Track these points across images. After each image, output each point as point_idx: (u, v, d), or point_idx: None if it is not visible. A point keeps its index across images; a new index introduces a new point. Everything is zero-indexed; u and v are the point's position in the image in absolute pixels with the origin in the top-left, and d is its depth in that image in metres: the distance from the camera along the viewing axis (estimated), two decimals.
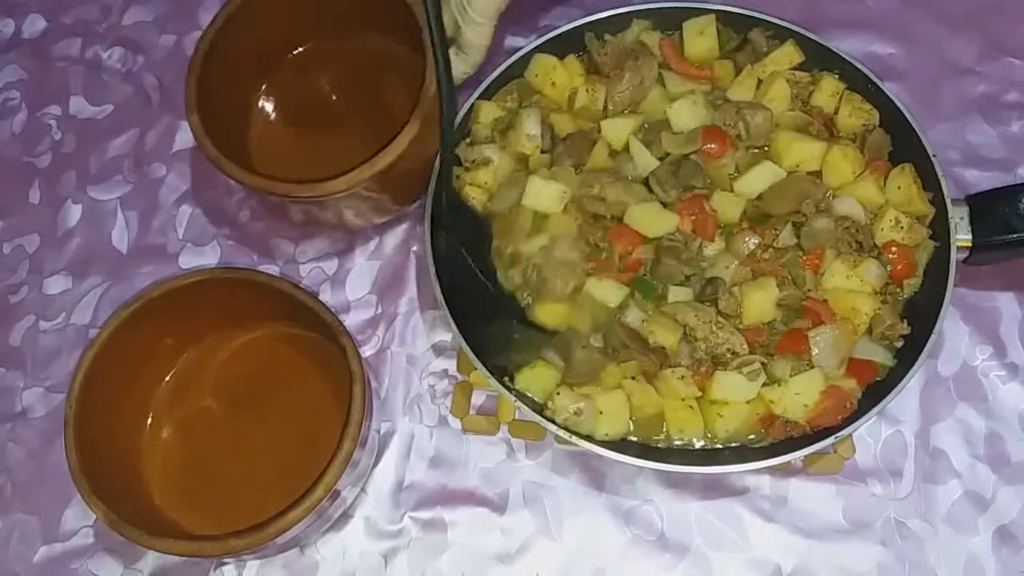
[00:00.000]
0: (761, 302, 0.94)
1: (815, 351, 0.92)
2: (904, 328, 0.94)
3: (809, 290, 0.95)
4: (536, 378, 0.95)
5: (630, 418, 0.94)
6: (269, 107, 1.13)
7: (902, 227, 0.97)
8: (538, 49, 1.07)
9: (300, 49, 1.14)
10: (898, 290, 0.97)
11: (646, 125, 1.03)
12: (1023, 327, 1.06)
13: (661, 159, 1.01)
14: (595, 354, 0.94)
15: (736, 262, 0.96)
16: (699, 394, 0.93)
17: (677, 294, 0.96)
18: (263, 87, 1.13)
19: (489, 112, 1.06)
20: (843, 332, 0.93)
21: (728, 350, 0.92)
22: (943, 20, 1.22)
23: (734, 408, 0.92)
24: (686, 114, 1.02)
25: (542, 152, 1.02)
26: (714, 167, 1.00)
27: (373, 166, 0.94)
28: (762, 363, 0.92)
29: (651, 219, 0.97)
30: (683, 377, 0.92)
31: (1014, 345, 1.05)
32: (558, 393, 0.93)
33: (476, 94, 1.06)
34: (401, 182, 1.01)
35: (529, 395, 0.95)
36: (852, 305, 0.94)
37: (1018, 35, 1.20)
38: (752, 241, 0.97)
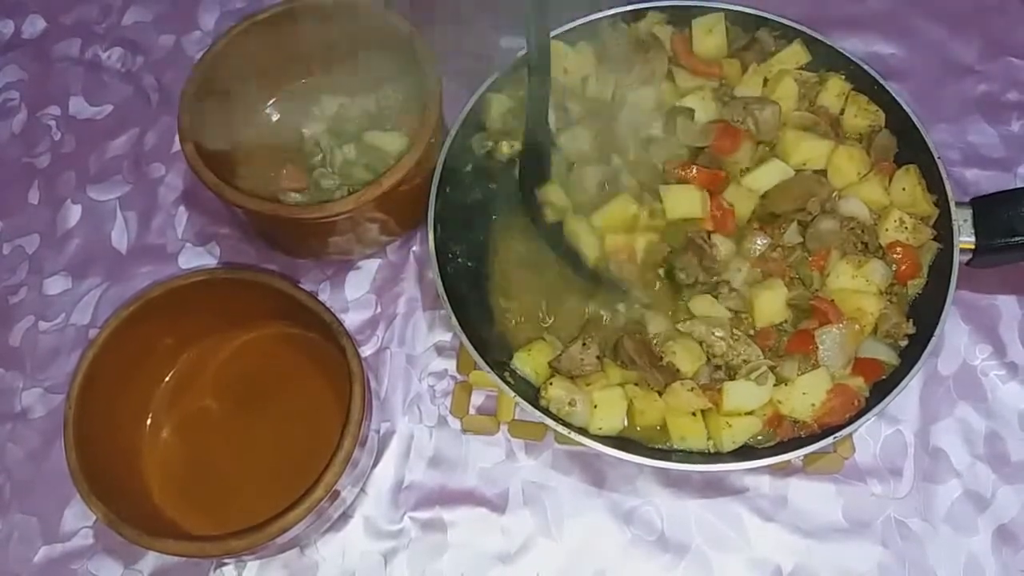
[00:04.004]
0: (771, 302, 0.94)
1: (822, 351, 0.92)
2: (909, 327, 0.94)
3: (817, 290, 0.96)
4: (531, 360, 0.96)
5: (635, 426, 0.94)
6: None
7: (907, 228, 0.97)
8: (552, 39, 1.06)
9: (303, 81, 1.14)
10: (903, 290, 0.97)
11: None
12: (1023, 327, 1.06)
13: None
14: (590, 356, 0.94)
15: (748, 265, 0.96)
16: (710, 407, 0.92)
17: (699, 305, 0.95)
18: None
19: (500, 104, 1.06)
20: (849, 332, 0.93)
21: (744, 361, 0.92)
22: (943, 20, 1.22)
23: (744, 420, 0.91)
24: (695, 109, 1.02)
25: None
26: (725, 163, 1.01)
27: (379, 187, 0.96)
28: (770, 367, 0.92)
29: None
30: (693, 389, 0.92)
31: (1014, 345, 1.05)
32: (551, 383, 0.93)
33: (483, 88, 1.05)
34: (406, 202, 1.02)
35: (525, 378, 0.96)
36: (858, 305, 0.94)
37: (1018, 35, 1.20)
38: (762, 241, 0.97)
